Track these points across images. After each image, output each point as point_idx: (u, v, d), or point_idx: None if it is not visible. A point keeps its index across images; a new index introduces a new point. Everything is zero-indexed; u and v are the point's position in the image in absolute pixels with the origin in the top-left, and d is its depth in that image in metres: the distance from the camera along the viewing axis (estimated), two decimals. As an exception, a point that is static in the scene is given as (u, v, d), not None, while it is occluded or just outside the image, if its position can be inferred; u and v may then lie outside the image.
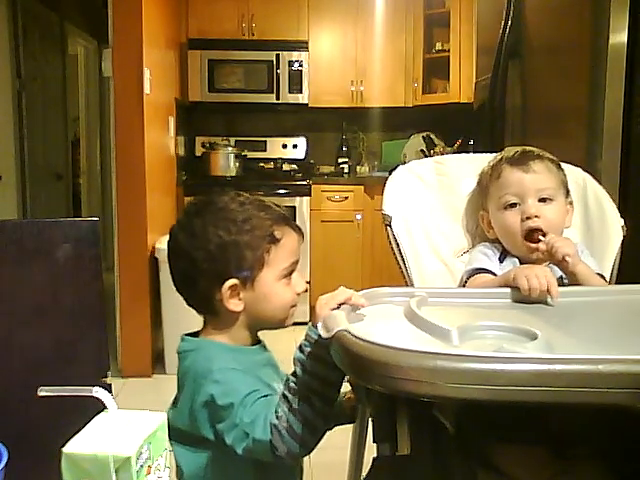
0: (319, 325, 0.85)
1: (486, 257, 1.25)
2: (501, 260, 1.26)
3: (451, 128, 4.49)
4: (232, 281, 0.99)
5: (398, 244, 1.30)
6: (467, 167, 1.41)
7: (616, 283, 1.59)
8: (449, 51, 4.31)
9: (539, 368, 0.64)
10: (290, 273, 1.04)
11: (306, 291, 1.09)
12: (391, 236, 1.31)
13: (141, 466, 0.60)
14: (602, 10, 1.61)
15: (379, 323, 0.88)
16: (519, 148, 1.29)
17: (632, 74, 1.58)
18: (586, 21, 1.71)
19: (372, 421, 1.11)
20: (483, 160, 1.36)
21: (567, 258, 1.13)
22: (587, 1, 1.70)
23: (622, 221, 1.31)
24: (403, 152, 4.62)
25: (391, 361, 0.66)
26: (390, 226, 1.31)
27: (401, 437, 1.01)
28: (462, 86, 4.20)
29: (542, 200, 1.22)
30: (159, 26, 3.63)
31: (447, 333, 0.76)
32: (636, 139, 1.59)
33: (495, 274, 1.20)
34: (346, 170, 4.70)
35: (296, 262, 1.05)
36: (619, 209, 1.61)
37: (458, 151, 4.35)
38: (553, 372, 0.64)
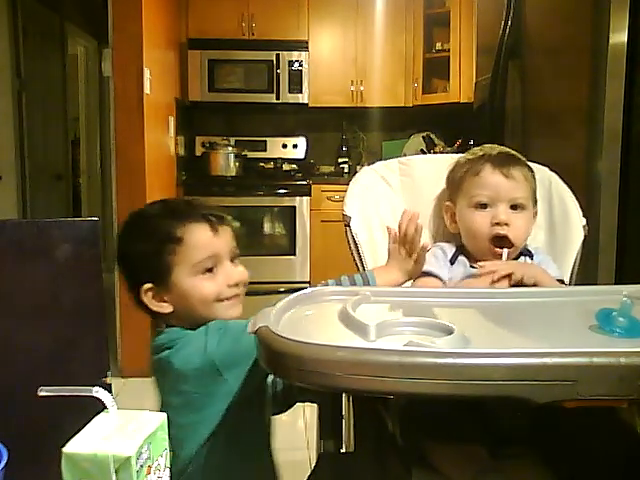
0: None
1: (435, 260, 1.26)
2: (452, 261, 1.26)
3: (451, 128, 4.48)
4: (147, 285, 1.06)
5: (357, 245, 1.31)
6: (431, 168, 1.42)
7: (615, 282, 1.60)
8: (449, 51, 4.31)
9: (427, 360, 0.66)
10: (211, 268, 1.05)
11: (238, 285, 1.08)
12: (349, 236, 1.32)
13: (141, 466, 0.60)
14: (602, 10, 1.61)
15: (309, 321, 0.89)
16: (500, 148, 1.29)
17: (632, 74, 1.58)
18: (586, 21, 1.70)
19: (318, 418, 1.12)
20: (447, 161, 1.36)
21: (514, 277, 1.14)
22: (587, 1, 1.70)
23: (584, 221, 1.32)
24: (403, 152, 4.61)
25: (300, 354, 0.68)
26: (349, 226, 1.32)
27: (346, 434, 1.02)
28: (462, 86, 4.20)
29: (513, 207, 1.22)
30: (159, 26, 3.63)
31: (365, 328, 0.77)
32: (636, 139, 1.59)
33: (441, 278, 1.22)
34: (346, 170, 4.70)
35: (214, 255, 1.05)
36: (619, 209, 1.61)
37: (458, 151, 4.35)
38: (439, 364, 0.66)
